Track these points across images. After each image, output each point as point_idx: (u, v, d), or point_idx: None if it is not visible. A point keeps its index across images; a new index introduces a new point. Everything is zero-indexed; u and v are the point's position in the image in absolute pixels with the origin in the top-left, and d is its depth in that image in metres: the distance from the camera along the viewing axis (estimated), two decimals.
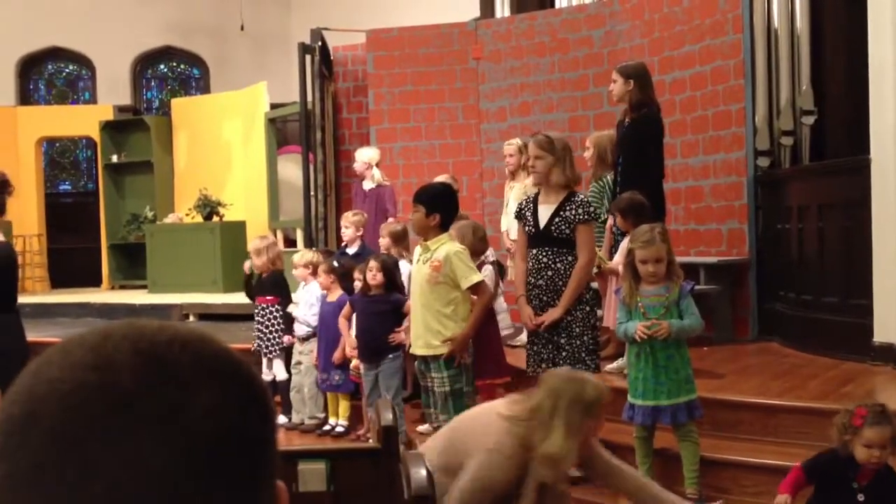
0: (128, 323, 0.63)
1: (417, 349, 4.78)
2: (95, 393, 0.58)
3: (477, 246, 5.41)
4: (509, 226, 6.25)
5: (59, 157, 13.69)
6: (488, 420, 3.21)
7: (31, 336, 7.46)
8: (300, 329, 5.91)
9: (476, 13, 10.33)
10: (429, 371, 4.74)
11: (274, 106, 10.63)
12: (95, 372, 0.58)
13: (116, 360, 0.59)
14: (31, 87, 13.66)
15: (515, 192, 6.34)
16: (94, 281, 11.72)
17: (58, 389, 0.58)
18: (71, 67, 13.78)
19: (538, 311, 4.52)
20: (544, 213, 4.58)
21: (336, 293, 5.68)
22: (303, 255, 6.15)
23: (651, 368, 4.11)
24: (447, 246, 4.68)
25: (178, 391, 0.59)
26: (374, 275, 5.28)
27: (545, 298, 4.53)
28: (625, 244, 4.69)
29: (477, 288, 4.68)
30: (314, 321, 5.79)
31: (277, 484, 0.65)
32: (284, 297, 6.05)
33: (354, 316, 5.45)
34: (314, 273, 5.85)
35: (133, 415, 0.57)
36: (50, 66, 13.76)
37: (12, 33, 12.81)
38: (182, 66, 14.02)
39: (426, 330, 4.69)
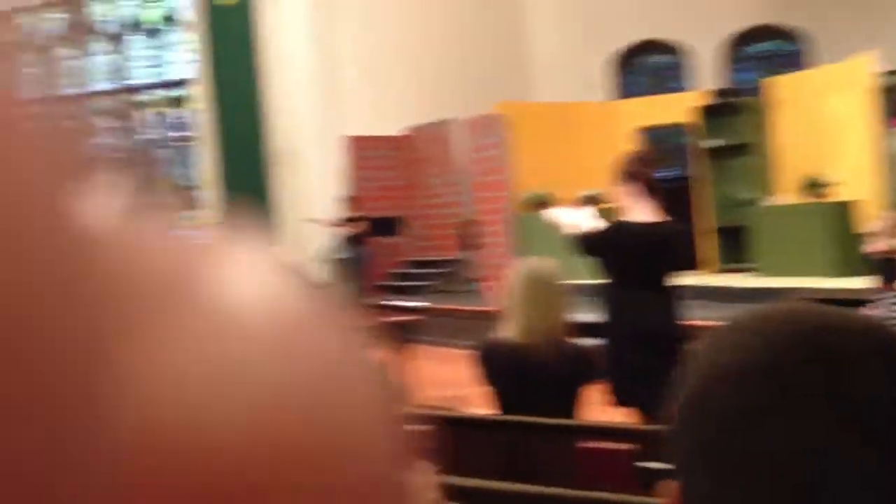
0: (788, 307, 0.65)
1: None
2: (759, 375, 0.60)
3: None
4: None
5: (657, 145, 14.40)
6: None
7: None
8: None
9: None
10: None
11: (888, 74, 9.81)
12: (762, 355, 0.61)
13: (776, 343, 0.61)
14: (630, 79, 14.60)
15: None
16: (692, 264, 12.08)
17: (725, 370, 0.61)
18: (664, 57, 14.41)
19: None
20: None
21: None
22: None
23: None
24: None
25: (837, 374, 0.59)
26: None
27: None
28: None
29: None
30: None
31: None
32: None
33: None
34: None
35: (791, 398, 0.59)
36: (646, 58, 14.56)
37: (607, 31, 13.84)
38: (776, 44, 13.70)
39: None
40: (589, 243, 4.18)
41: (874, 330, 0.62)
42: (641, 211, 4.09)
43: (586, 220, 4.30)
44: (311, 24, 13.23)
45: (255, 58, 13.83)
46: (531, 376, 3.26)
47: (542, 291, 3.30)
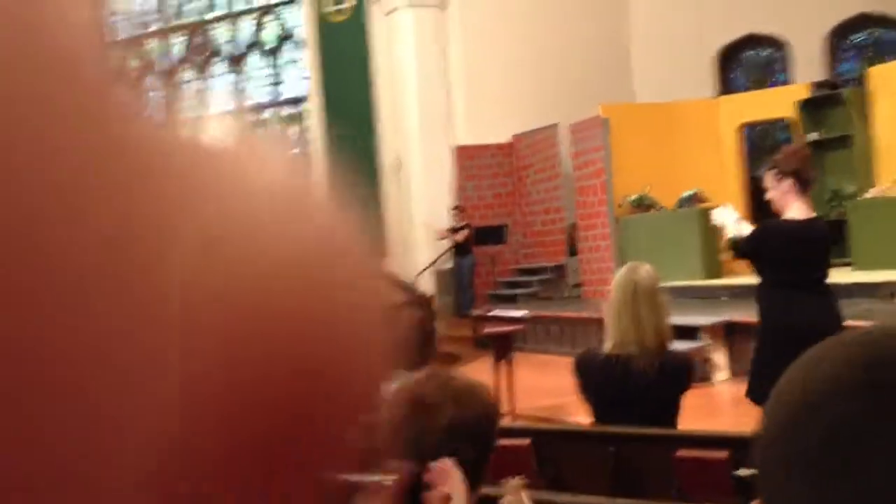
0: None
1: None
2: (864, 391, 0.59)
3: None
4: None
5: (760, 140, 14.21)
6: None
7: (738, 316, 8.02)
8: None
9: None
10: None
11: None
12: (864, 370, 0.60)
13: (886, 360, 0.60)
14: (731, 76, 14.47)
15: None
16: None
17: (830, 384, 0.61)
18: (767, 51, 14.22)
19: None
20: None
21: None
22: None
23: None
24: None
25: None
26: None
27: None
28: None
29: None
30: None
31: None
32: None
33: None
34: None
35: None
36: (747, 53, 14.40)
37: (711, 27, 13.76)
38: (879, 32, 13.36)
39: None
40: (750, 246, 4.13)
41: None
42: (797, 208, 4.01)
43: (734, 223, 4.28)
44: (420, 38, 13.63)
45: (367, 72, 14.32)
46: (622, 388, 3.32)
47: (638, 300, 3.31)
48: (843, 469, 0.58)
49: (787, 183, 4.00)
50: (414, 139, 13.72)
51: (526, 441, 3.28)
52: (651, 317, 3.30)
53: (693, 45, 13.92)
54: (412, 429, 1.68)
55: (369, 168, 14.37)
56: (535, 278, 13.13)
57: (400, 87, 13.89)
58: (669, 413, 3.36)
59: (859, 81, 12.08)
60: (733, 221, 4.29)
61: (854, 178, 11.20)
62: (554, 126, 12.93)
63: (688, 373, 3.43)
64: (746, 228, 4.25)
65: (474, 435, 1.69)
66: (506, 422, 5.51)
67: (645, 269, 3.41)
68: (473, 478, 1.70)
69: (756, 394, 4.01)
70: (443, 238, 12.82)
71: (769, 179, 4.10)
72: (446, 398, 1.70)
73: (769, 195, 4.11)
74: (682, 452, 3.17)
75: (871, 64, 12.60)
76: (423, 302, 8.70)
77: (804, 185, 4.03)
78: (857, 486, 0.57)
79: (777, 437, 0.62)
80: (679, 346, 7.19)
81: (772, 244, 4.02)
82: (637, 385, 3.27)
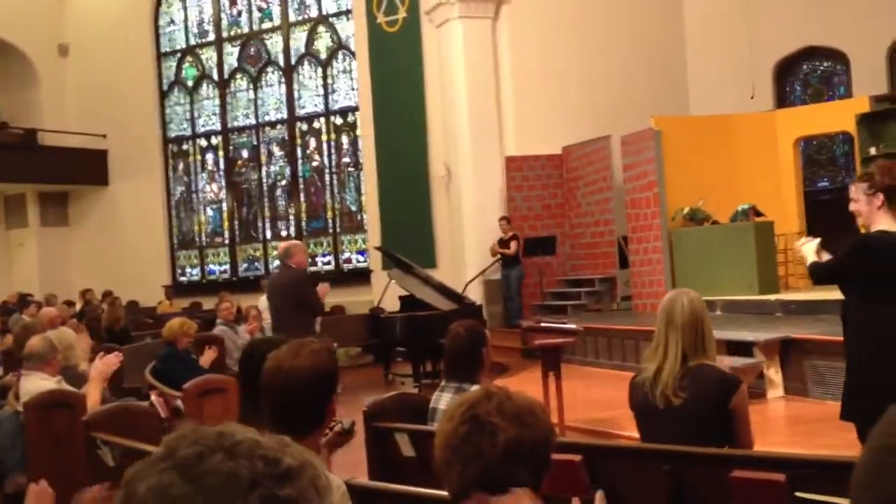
0: None
1: None
2: None
3: None
4: None
5: (816, 154, 14.00)
6: None
7: (794, 332, 7.90)
8: None
9: None
10: None
11: None
12: None
13: None
14: (788, 89, 14.29)
15: None
16: None
17: None
18: (826, 64, 14.02)
19: None
20: None
21: None
22: None
23: None
24: None
25: None
26: None
27: None
28: None
29: None
30: None
31: None
32: None
33: None
34: None
35: None
36: (805, 67, 14.21)
37: (769, 39, 13.61)
38: None
39: None
40: (846, 261, 4.02)
41: None
42: (887, 223, 3.91)
43: (813, 251, 4.21)
44: (471, 49, 13.69)
45: (418, 82, 14.41)
46: (654, 409, 3.36)
47: (675, 330, 3.36)
48: None
49: (879, 197, 3.91)
50: (464, 149, 13.76)
51: (578, 457, 3.26)
52: (688, 342, 3.34)
53: (749, 58, 13.77)
54: (468, 448, 1.64)
55: (420, 177, 14.45)
56: (583, 290, 13.08)
57: (450, 98, 13.94)
58: (712, 429, 3.31)
59: None
60: (813, 250, 4.23)
61: None
62: (606, 138, 12.87)
63: (733, 388, 3.35)
64: (825, 256, 4.17)
65: (531, 458, 1.65)
66: (557, 435, 5.48)
67: (687, 298, 3.42)
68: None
69: (851, 414, 3.93)
70: (496, 255, 12.82)
71: (858, 191, 3.99)
72: (504, 419, 1.66)
73: (854, 207, 4.00)
74: (738, 473, 3.13)
75: None
76: (473, 311, 8.71)
77: (893, 200, 3.92)
78: None
79: (875, 478, 0.61)
80: (732, 361, 7.12)
81: (873, 257, 3.89)
82: (668, 405, 3.32)
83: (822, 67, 14.11)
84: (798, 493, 2.81)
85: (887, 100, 12.45)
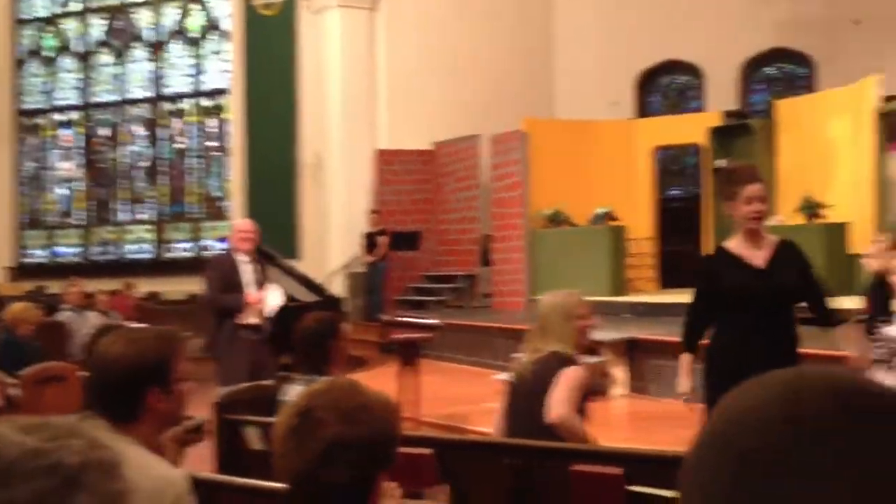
0: (823, 369, 0.66)
1: None
2: (780, 426, 0.61)
3: None
4: None
5: (671, 163, 14.63)
6: None
7: (639, 333, 8.26)
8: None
9: None
10: None
11: (889, 98, 10.03)
12: (783, 404, 0.62)
13: (804, 398, 0.62)
14: (649, 99, 14.88)
15: None
16: None
17: (748, 416, 0.62)
18: (684, 78, 14.67)
19: None
20: None
21: None
22: None
23: None
24: None
25: (861, 435, 0.60)
26: None
27: None
28: None
29: None
30: None
31: None
32: None
33: None
34: None
35: (820, 450, 0.59)
36: (665, 79, 14.83)
37: (632, 50, 14.12)
38: (789, 66, 13.95)
39: None
40: None
41: None
42: None
43: None
44: (348, 39, 13.60)
45: (291, 69, 14.20)
46: (517, 397, 3.67)
47: (552, 324, 3.68)
48: (751, 501, 0.59)
49: None
50: (335, 140, 13.69)
51: (429, 451, 3.31)
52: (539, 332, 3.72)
53: (614, 67, 14.25)
54: (292, 441, 1.64)
55: (288, 166, 14.26)
56: (446, 286, 13.23)
57: (324, 87, 13.83)
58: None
59: (767, 113, 12.57)
60: None
61: None
62: (475, 136, 13.05)
63: (558, 367, 3.61)
64: None
65: (356, 456, 1.62)
66: (409, 429, 5.55)
67: (550, 296, 3.84)
68: (348, 500, 1.65)
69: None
70: (368, 261, 12.77)
71: None
72: (334, 414, 1.63)
73: None
74: (578, 467, 3.23)
75: (780, 97, 13.13)
76: (332, 303, 8.63)
77: None
78: None
79: (695, 465, 0.64)
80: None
81: None
82: (521, 391, 3.66)
83: (680, 81, 14.76)
84: (629, 487, 2.95)
85: (737, 115, 13.16)
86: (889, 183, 9.95)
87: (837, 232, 9.98)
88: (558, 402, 3.52)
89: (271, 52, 14.36)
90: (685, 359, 3.93)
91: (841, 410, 0.60)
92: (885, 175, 10.01)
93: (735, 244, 3.86)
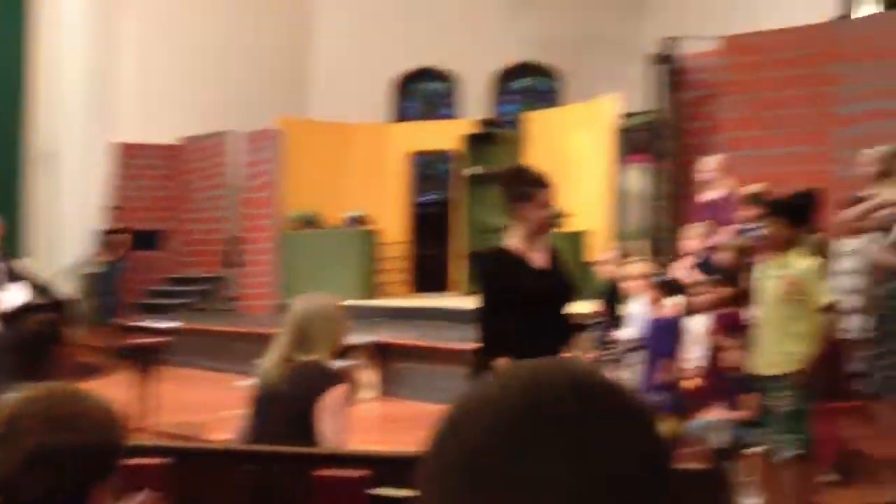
0: (564, 361, 0.72)
1: (763, 368, 4.58)
2: (518, 413, 0.64)
3: None
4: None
5: (427, 169, 14.84)
6: None
7: (390, 337, 8.25)
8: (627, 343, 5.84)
9: (832, 13, 9.64)
10: (771, 391, 4.53)
11: (627, 115, 10.70)
12: (525, 394, 0.65)
13: (543, 386, 0.65)
14: (403, 105, 15.01)
15: None
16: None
17: (488, 406, 0.65)
18: (440, 84, 14.94)
19: None
20: None
21: (666, 308, 5.51)
22: (636, 266, 6.05)
23: None
24: (807, 261, 4.52)
25: (590, 427, 0.64)
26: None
27: None
28: None
29: (825, 308, 4.44)
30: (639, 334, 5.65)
31: None
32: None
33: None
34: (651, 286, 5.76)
35: (551, 439, 0.62)
36: (421, 85, 15.04)
37: (390, 54, 14.18)
38: (536, 80, 14.61)
39: (775, 348, 4.50)
40: None
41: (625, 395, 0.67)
42: None
43: None
44: (88, 21, 12.57)
45: (24, 50, 12.89)
46: (268, 405, 3.43)
47: (315, 329, 3.47)
48: (472, 485, 0.62)
49: None
50: (71, 129, 12.61)
51: (163, 460, 3.05)
52: (294, 341, 3.47)
53: (371, 70, 14.24)
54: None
55: (14, 155, 12.98)
56: (190, 289, 12.60)
57: (61, 72, 12.69)
58: (307, 422, 3.38)
59: (515, 123, 13.06)
60: None
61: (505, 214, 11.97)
62: (223, 133, 12.54)
63: (330, 382, 3.42)
64: None
65: (64, 467, 1.55)
66: (144, 439, 5.15)
67: (304, 302, 3.59)
68: None
69: None
70: (104, 260, 11.87)
71: None
72: (42, 422, 1.56)
73: None
74: (322, 471, 3.13)
75: (530, 108, 13.68)
76: (55, 305, 7.91)
77: None
78: (482, 501, 0.62)
79: (428, 455, 0.66)
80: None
81: None
82: (276, 401, 3.40)
83: (436, 87, 15.02)
84: (369, 491, 2.87)
85: (490, 124, 13.56)
86: (626, 194, 10.61)
87: (575, 240, 10.49)
88: (335, 434, 3.35)
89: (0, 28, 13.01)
90: (503, 364, 3.80)
91: (576, 399, 0.64)
92: (623, 187, 10.65)
93: (516, 244, 3.81)
